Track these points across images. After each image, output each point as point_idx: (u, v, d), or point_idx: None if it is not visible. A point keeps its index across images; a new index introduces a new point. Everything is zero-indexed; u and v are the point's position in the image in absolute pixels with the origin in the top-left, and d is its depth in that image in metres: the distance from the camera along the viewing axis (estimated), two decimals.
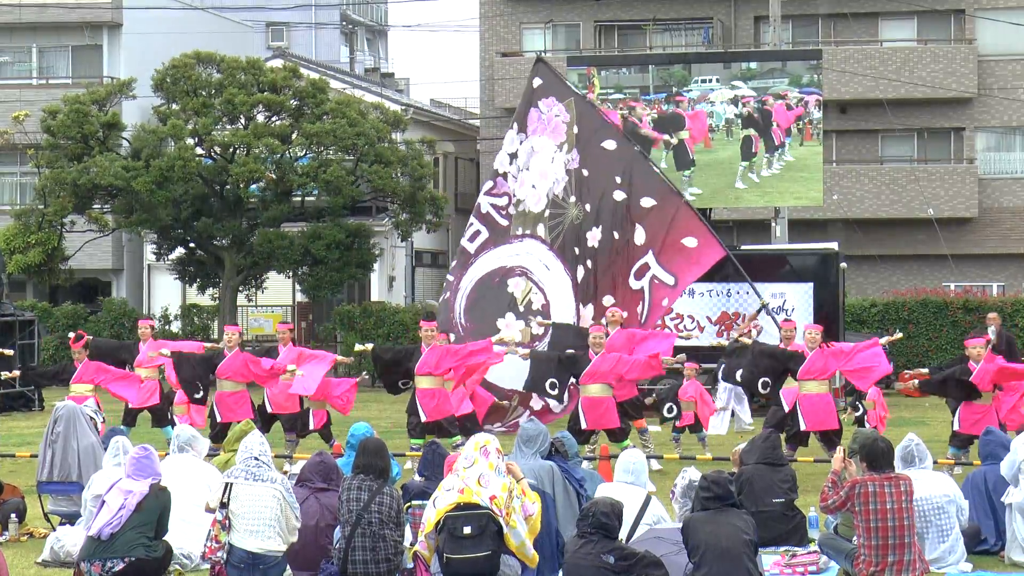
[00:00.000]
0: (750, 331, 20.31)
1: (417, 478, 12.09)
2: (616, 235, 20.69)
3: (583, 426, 17.45)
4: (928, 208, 38.90)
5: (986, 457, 13.20)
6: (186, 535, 11.80)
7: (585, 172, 21.17)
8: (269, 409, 18.75)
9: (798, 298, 25.98)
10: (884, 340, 17.81)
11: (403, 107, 40.57)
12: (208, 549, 10.72)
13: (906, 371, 18.76)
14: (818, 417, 17.05)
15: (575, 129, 21.41)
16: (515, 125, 22.07)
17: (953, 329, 31.83)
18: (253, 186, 34.35)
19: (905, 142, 41.77)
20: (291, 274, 36.00)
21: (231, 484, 10.78)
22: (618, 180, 20.91)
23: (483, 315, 20.92)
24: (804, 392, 17.12)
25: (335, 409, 19.54)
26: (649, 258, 20.42)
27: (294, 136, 34.34)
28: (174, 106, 34.34)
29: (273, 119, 34.76)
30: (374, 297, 39.40)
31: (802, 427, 17.10)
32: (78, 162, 33.50)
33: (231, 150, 34.09)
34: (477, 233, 21.52)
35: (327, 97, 34.49)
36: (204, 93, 34.11)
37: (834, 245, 28.08)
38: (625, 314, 19.48)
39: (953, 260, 39.03)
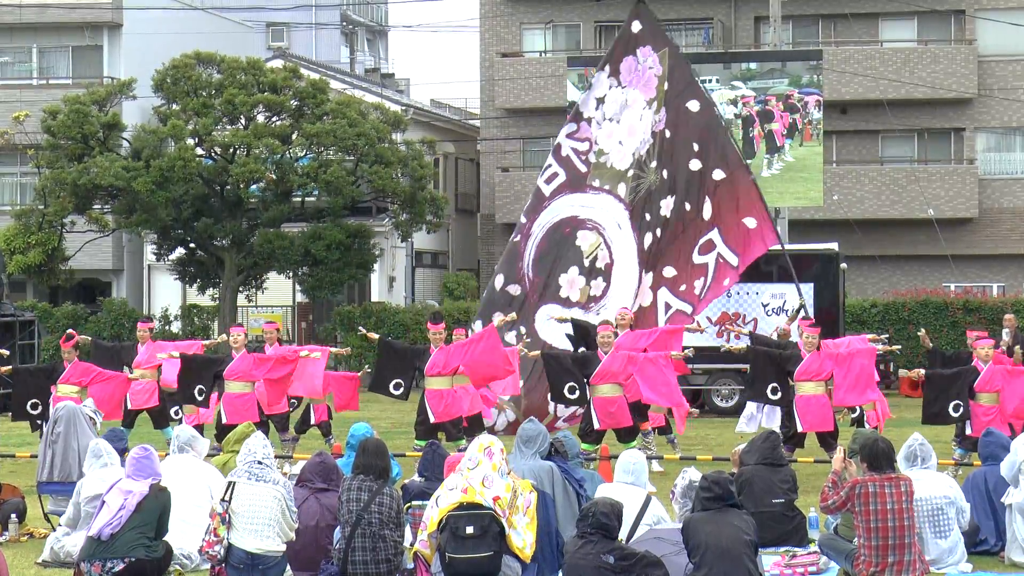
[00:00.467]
0: (788, 332, 20.19)
1: (417, 478, 12.09)
2: (688, 206, 19.74)
3: (596, 426, 17.35)
4: (928, 208, 38.90)
5: (986, 458, 13.20)
6: (186, 535, 11.79)
7: (668, 134, 20.09)
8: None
9: (798, 299, 25.96)
10: (881, 348, 17.72)
11: (403, 107, 40.58)
12: (206, 543, 10.70)
13: (903, 371, 18.69)
14: (814, 418, 17.02)
15: (665, 85, 20.31)
16: (607, 68, 20.73)
17: (953, 329, 31.84)
18: (253, 186, 34.37)
19: (905, 143, 41.77)
20: (291, 274, 36.02)
21: (233, 483, 10.78)
22: (695, 148, 19.94)
23: (549, 268, 20.15)
24: (800, 393, 17.10)
25: (337, 405, 19.58)
26: (715, 235, 19.61)
27: (294, 136, 34.36)
28: (174, 106, 34.35)
29: (273, 119, 34.77)
30: (374, 297, 39.41)
31: (799, 428, 17.06)
32: (78, 162, 33.51)
33: (231, 150, 34.11)
34: (555, 175, 20.58)
35: (327, 97, 34.50)
36: (204, 93, 34.13)
37: (834, 245, 28.06)
38: (632, 313, 19.20)
39: (953, 260, 39.03)
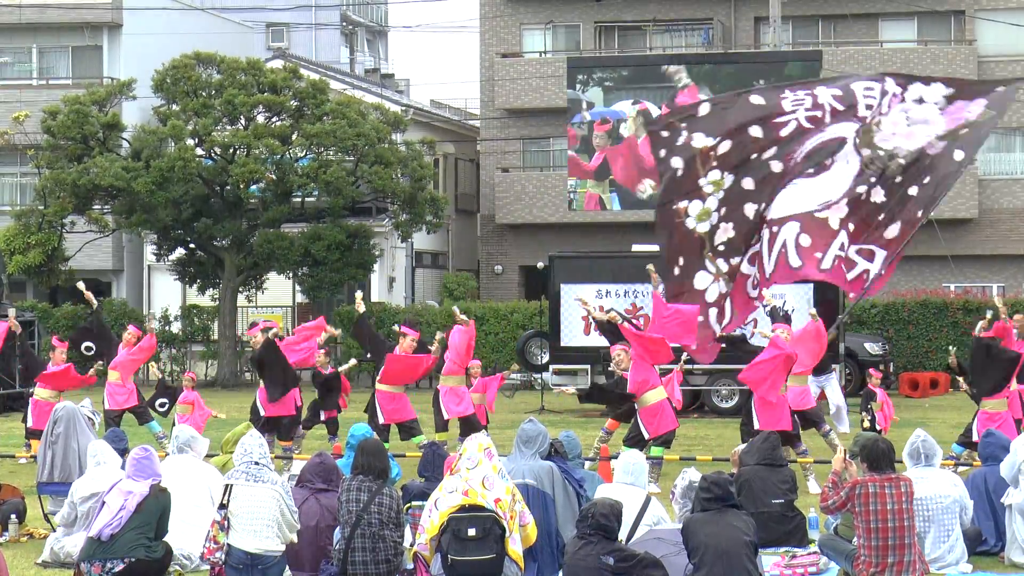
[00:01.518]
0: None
1: (417, 479, 12.09)
2: (882, 215, 18.91)
3: (647, 436, 17.27)
4: None
5: (986, 459, 13.19)
6: (186, 536, 11.78)
7: (928, 160, 19.41)
8: (262, 412, 18.72)
9: (798, 299, 25.96)
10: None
11: (403, 108, 40.57)
12: (207, 550, 10.71)
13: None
14: (772, 418, 16.91)
15: (965, 129, 19.60)
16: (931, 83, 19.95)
17: (953, 330, 31.82)
18: (253, 187, 34.37)
19: None
20: (291, 275, 36.03)
21: (231, 486, 10.78)
22: (925, 181, 19.26)
23: (813, 158, 19.44)
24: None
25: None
26: (882, 254, 18.95)
27: (294, 137, 34.37)
28: (174, 107, 34.37)
29: (273, 120, 34.77)
30: (374, 298, 39.37)
31: (755, 426, 16.86)
32: (78, 163, 33.53)
33: (231, 151, 34.11)
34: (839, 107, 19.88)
35: (327, 98, 34.51)
36: (204, 94, 34.14)
37: None
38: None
39: (953, 261, 39.02)
